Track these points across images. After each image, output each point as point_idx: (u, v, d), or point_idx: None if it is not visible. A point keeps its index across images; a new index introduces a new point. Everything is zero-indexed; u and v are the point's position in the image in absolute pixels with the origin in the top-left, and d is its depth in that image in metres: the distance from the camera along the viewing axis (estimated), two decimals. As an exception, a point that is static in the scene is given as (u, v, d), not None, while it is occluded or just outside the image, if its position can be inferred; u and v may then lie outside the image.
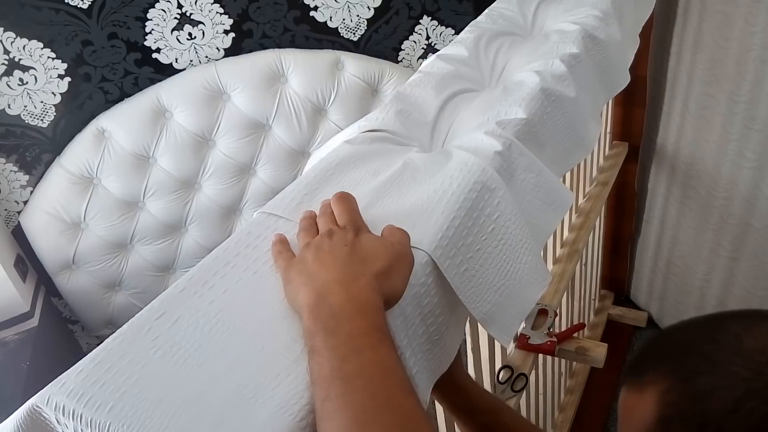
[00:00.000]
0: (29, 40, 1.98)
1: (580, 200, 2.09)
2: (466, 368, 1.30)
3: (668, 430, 0.58)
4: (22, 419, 0.63)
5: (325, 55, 2.21)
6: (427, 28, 2.26)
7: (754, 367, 0.56)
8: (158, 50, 2.13)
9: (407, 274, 0.69)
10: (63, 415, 0.59)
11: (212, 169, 2.26)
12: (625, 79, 1.24)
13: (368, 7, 2.19)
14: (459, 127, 0.95)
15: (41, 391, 0.62)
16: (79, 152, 2.13)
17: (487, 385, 1.49)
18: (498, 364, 1.56)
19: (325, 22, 2.20)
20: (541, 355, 1.69)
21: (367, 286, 0.64)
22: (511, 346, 1.65)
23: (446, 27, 2.26)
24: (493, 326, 0.78)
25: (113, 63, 2.10)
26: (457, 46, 1.10)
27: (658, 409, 0.59)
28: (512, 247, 0.82)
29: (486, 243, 0.79)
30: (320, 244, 0.70)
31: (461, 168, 0.82)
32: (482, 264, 0.78)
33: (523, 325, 1.67)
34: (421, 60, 2.29)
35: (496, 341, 1.50)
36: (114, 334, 0.66)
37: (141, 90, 2.16)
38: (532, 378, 1.75)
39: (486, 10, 1.21)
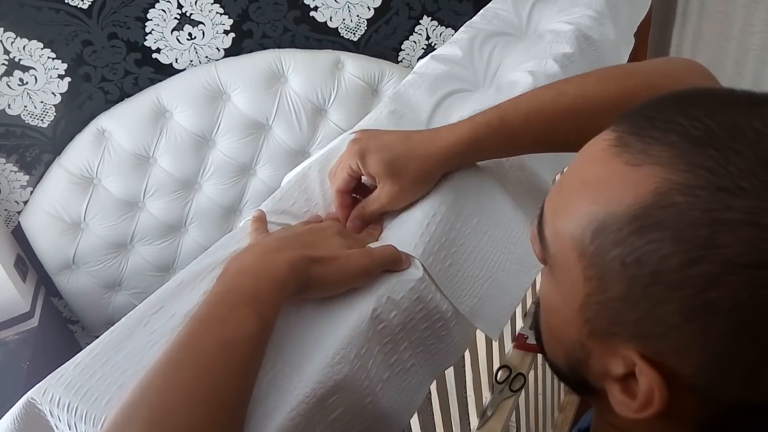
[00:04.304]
0: (29, 40, 1.98)
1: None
2: (464, 368, 1.30)
3: (651, 222, 0.41)
4: (18, 412, 0.63)
5: (325, 55, 2.21)
6: (427, 28, 2.26)
7: None
8: (158, 50, 2.14)
9: (347, 281, 0.68)
10: (58, 407, 0.60)
11: (212, 169, 2.26)
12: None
13: (368, 7, 2.19)
14: (451, 127, 0.96)
15: (39, 383, 0.62)
16: (79, 152, 2.13)
17: (485, 385, 1.49)
18: (496, 364, 1.56)
19: (325, 22, 2.20)
20: (540, 355, 1.69)
21: (285, 260, 0.63)
22: (509, 346, 1.65)
23: (446, 27, 2.26)
24: (480, 320, 0.78)
25: (113, 63, 2.11)
26: (451, 46, 1.10)
27: (655, 188, 0.42)
28: (499, 238, 0.82)
29: (471, 236, 0.79)
30: (294, 228, 0.77)
31: None
32: (467, 258, 0.78)
33: (521, 324, 1.67)
34: (421, 60, 2.30)
35: (493, 341, 1.50)
36: (112, 327, 0.67)
37: (141, 90, 2.16)
38: (531, 378, 1.75)
39: (481, 11, 1.21)
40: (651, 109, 0.46)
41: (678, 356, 0.43)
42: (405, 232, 0.75)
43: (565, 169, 1.20)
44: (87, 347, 0.65)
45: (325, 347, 0.63)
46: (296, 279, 0.63)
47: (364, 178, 0.80)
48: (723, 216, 0.39)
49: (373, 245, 0.76)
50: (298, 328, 0.66)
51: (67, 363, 0.63)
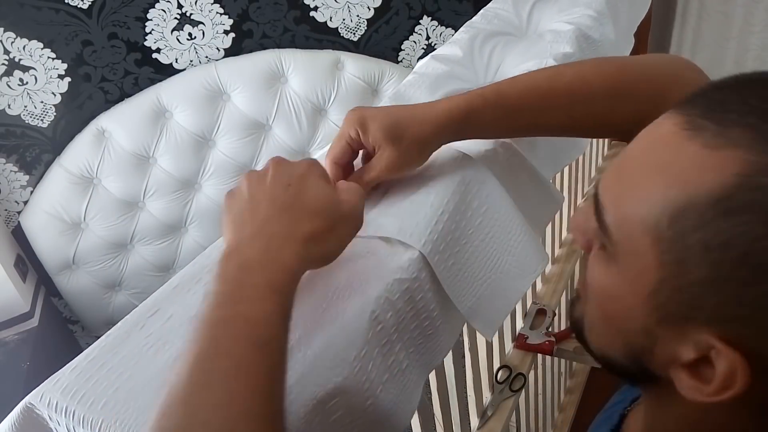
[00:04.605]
0: (29, 40, 1.98)
1: (579, 200, 2.09)
2: (464, 368, 1.30)
3: (738, 205, 0.41)
4: (17, 417, 0.63)
5: (325, 55, 2.21)
6: (427, 28, 2.26)
7: None
8: (158, 50, 2.14)
9: (347, 236, 0.64)
10: (56, 412, 0.60)
11: (212, 169, 2.26)
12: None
13: (368, 7, 2.19)
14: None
15: (36, 388, 0.62)
16: (79, 152, 2.14)
17: (485, 385, 1.49)
18: (496, 364, 1.56)
19: (325, 22, 2.20)
20: (540, 355, 1.69)
21: (290, 253, 0.58)
22: (509, 346, 1.65)
23: (446, 27, 2.26)
24: (476, 320, 0.78)
25: (113, 63, 2.11)
26: (451, 46, 1.10)
27: (738, 170, 0.41)
28: (500, 239, 0.82)
29: (473, 236, 0.79)
30: (264, 174, 0.65)
31: (450, 162, 0.82)
32: (469, 257, 0.78)
33: (521, 324, 1.67)
34: (421, 60, 2.30)
35: (494, 341, 1.50)
36: (109, 331, 0.67)
37: (141, 90, 2.17)
38: (531, 378, 1.75)
39: (481, 11, 1.21)
40: (718, 93, 0.46)
41: (762, 338, 0.42)
42: (413, 225, 0.74)
43: (577, 168, 1.20)
44: (84, 351, 0.65)
45: (324, 350, 0.63)
46: (305, 267, 0.60)
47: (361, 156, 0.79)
48: None
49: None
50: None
51: (64, 367, 0.63)
